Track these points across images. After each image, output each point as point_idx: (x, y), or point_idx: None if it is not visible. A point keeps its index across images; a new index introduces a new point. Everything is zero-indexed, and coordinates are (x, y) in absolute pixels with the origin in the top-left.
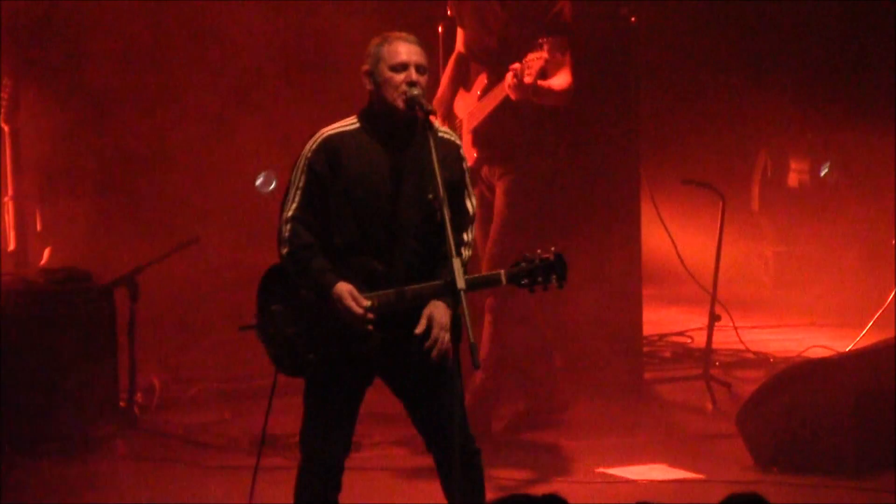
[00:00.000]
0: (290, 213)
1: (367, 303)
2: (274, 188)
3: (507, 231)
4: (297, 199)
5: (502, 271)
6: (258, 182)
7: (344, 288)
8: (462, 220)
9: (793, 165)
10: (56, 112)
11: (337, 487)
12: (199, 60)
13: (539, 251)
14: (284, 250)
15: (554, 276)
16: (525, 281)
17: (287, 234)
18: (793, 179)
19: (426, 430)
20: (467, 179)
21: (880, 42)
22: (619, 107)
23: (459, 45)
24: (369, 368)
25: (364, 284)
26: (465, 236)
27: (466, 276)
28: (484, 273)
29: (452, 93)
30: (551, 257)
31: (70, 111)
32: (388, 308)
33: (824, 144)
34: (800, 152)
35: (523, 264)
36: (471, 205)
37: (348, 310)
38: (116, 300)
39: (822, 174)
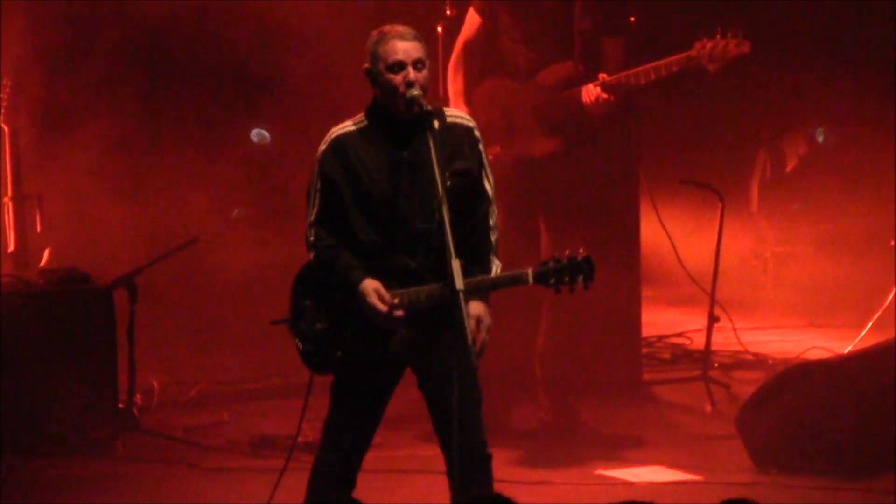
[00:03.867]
0: (312, 218)
1: (394, 300)
2: (268, 139)
3: None
4: (317, 202)
5: (529, 270)
6: (254, 139)
7: (370, 285)
8: (484, 204)
9: (787, 148)
10: (56, 113)
11: (351, 485)
12: (202, 61)
13: (567, 251)
14: (311, 255)
15: (581, 277)
16: (552, 280)
17: (312, 239)
18: (791, 160)
19: (440, 431)
20: (484, 160)
21: (880, 40)
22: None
23: (470, 33)
24: (397, 367)
25: (394, 282)
26: (490, 221)
27: (494, 276)
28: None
29: (472, 84)
30: (579, 258)
31: (70, 112)
32: (416, 306)
33: (815, 111)
34: (791, 132)
35: (551, 264)
36: (489, 186)
37: (373, 308)
38: (116, 301)
39: (819, 140)
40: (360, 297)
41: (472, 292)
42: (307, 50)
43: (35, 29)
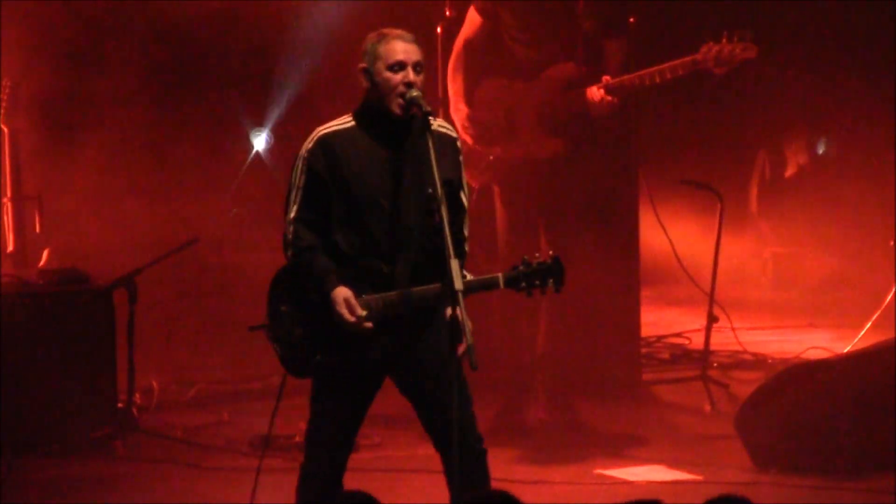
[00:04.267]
0: (292, 215)
1: (362, 312)
2: (271, 141)
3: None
4: (298, 199)
5: (500, 274)
6: (255, 141)
7: (340, 294)
8: (460, 215)
9: (788, 154)
10: (56, 113)
11: (340, 484)
12: (204, 62)
13: (537, 254)
14: (289, 253)
15: (551, 280)
16: (523, 284)
17: (291, 237)
18: (791, 167)
19: (433, 431)
20: (463, 172)
21: (881, 41)
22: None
23: (471, 32)
24: (377, 370)
25: (369, 286)
26: (465, 232)
27: (464, 280)
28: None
29: (472, 83)
30: (549, 261)
31: (70, 112)
32: (392, 311)
33: (819, 122)
34: (793, 139)
35: (521, 268)
36: (465, 198)
37: (341, 317)
38: (115, 301)
39: (820, 151)
40: (331, 305)
41: (469, 293)
42: (309, 52)
43: (36, 29)
